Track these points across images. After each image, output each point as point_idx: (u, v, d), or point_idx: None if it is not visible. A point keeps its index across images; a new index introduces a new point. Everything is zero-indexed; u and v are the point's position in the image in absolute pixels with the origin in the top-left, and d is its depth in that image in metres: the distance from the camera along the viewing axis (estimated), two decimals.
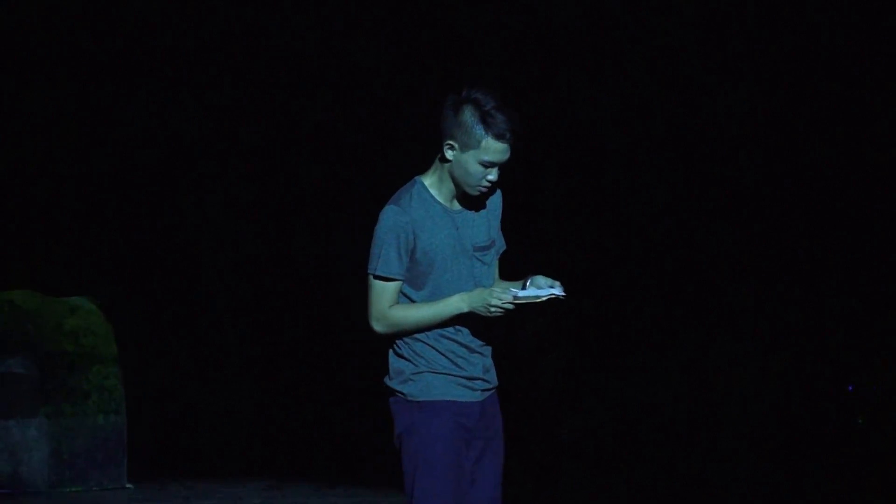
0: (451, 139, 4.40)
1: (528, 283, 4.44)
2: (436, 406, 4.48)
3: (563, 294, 4.36)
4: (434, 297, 4.48)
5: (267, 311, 13.03)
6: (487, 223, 4.61)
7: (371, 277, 4.47)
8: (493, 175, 4.43)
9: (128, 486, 10.08)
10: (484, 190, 4.47)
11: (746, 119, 12.13)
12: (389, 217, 4.44)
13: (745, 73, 11.94)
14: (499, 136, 4.35)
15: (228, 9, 12.18)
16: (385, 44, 12.10)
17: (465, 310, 4.41)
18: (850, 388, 11.99)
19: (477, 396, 4.56)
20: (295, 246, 12.99)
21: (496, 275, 4.68)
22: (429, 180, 4.52)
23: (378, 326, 4.49)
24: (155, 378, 12.27)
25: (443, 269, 4.49)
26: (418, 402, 4.49)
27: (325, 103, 12.68)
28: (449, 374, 4.52)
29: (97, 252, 12.33)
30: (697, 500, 10.11)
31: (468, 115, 4.35)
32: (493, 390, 4.65)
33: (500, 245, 4.70)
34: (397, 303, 4.47)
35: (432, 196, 4.49)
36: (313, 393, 12.88)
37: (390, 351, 4.56)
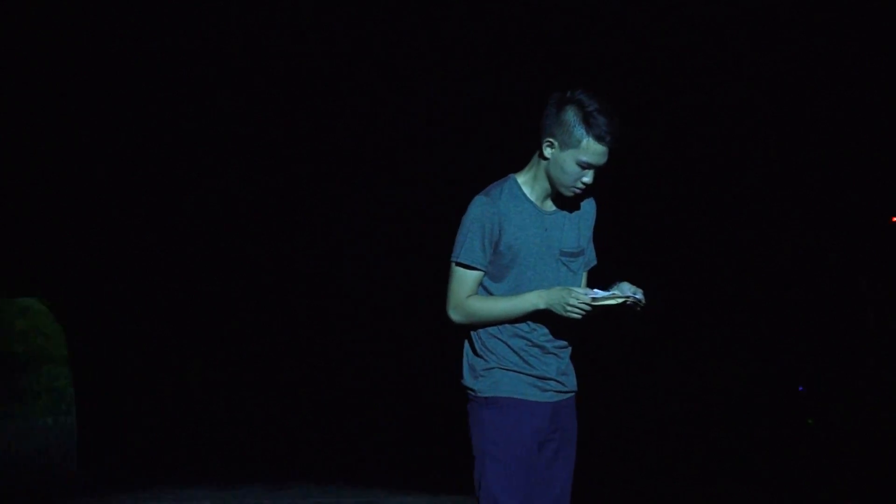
0: (550, 136, 4.32)
1: (613, 289, 4.36)
2: (504, 402, 4.40)
3: (643, 300, 4.30)
4: (514, 293, 4.40)
5: (224, 313, 12.92)
6: (578, 230, 4.52)
7: (453, 265, 4.40)
8: (588, 177, 4.33)
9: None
10: (578, 191, 4.38)
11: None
12: (477, 207, 4.37)
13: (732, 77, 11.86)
14: (599, 138, 4.26)
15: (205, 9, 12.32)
16: (384, 44, 12.24)
17: (542, 307, 4.33)
18: (801, 388, 11.59)
19: (549, 397, 4.46)
20: (253, 244, 12.67)
21: (583, 286, 4.59)
22: (523, 178, 4.44)
23: (454, 315, 4.41)
24: (108, 380, 12.44)
25: (525, 266, 4.41)
26: (486, 398, 4.41)
27: (313, 101, 12.22)
28: (519, 373, 4.42)
29: (49, 253, 12.42)
30: (657, 493, 10.06)
31: (571, 115, 4.28)
32: (571, 395, 4.56)
33: (591, 258, 4.62)
34: (476, 294, 4.42)
35: (524, 193, 4.42)
36: (265, 395, 12.86)
37: (465, 347, 4.50)
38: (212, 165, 12.40)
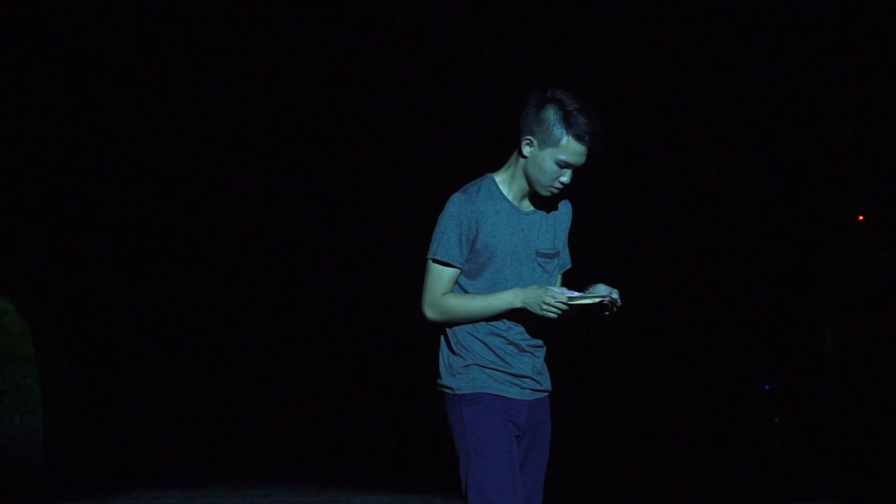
0: (530, 135, 4.32)
1: (588, 291, 4.35)
2: (483, 398, 4.38)
3: (619, 300, 4.30)
4: (490, 291, 4.40)
5: (188, 311, 12.80)
6: (553, 232, 4.51)
7: (429, 262, 4.37)
8: (566, 177, 4.33)
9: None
10: (555, 191, 4.37)
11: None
12: (454, 205, 4.34)
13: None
14: (578, 137, 4.26)
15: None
16: (384, 45, 12.26)
17: (518, 305, 4.32)
18: (767, 387, 11.78)
19: (525, 395, 4.44)
20: (213, 239, 12.50)
21: (560, 280, 4.60)
22: (500, 177, 4.43)
23: (430, 312, 4.38)
24: (76, 381, 12.37)
25: (501, 265, 4.40)
26: (465, 395, 4.39)
27: (304, 96, 12.60)
28: (496, 370, 4.40)
29: (15, 251, 12.31)
30: (621, 488, 10.10)
31: (551, 114, 4.27)
32: (545, 395, 4.53)
33: (565, 261, 4.60)
34: (452, 291, 4.39)
35: (501, 192, 4.41)
36: (231, 394, 12.77)
37: (441, 346, 4.48)
38: (183, 161, 12.39)
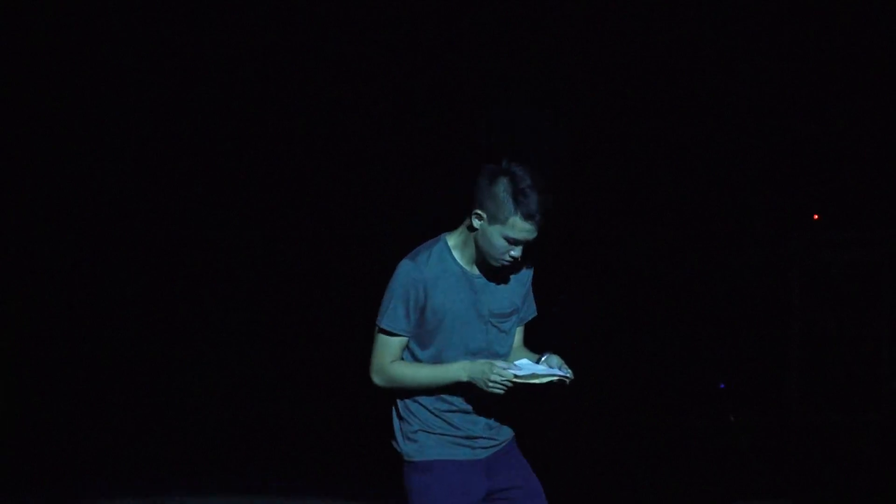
0: (480, 208, 4.18)
1: (542, 360, 4.30)
2: (433, 466, 4.33)
3: (569, 377, 4.21)
4: (439, 356, 4.32)
5: (139, 316, 12.71)
6: (511, 290, 4.39)
7: (377, 329, 4.31)
8: (516, 252, 4.21)
9: None
10: (506, 263, 4.25)
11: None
12: (403, 273, 4.26)
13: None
14: (528, 216, 4.13)
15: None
16: (383, 47, 12.29)
17: (465, 379, 4.23)
18: (722, 385, 12.01)
19: (478, 454, 4.37)
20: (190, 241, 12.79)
21: (519, 341, 4.52)
22: (453, 240, 4.31)
23: (376, 378, 4.33)
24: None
25: (451, 331, 4.30)
26: (415, 462, 4.35)
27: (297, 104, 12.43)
28: (444, 435, 4.35)
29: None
30: (580, 489, 10.13)
31: (501, 189, 4.13)
32: (503, 444, 4.45)
33: (528, 313, 4.51)
34: (400, 359, 4.33)
35: (454, 257, 4.30)
36: (190, 399, 12.72)
37: (392, 409, 4.44)
38: (180, 159, 12.49)
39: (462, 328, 4.30)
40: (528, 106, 12.22)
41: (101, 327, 12.55)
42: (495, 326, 4.36)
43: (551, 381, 4.15)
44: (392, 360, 4.30)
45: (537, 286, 4.49)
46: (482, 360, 4.23)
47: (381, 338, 4.29)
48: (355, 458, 11.04)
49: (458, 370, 4.24)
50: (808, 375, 12.19)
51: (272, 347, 12.85)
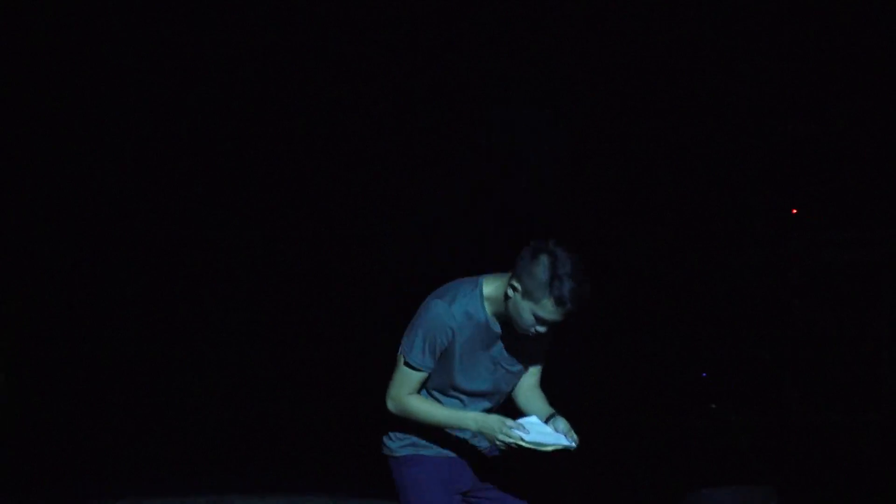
0: (517, 281, 4.28)
1: (549, 420, 4.43)
2: (420, 459, 4.55)
3: (574, 446, 4.33)
4: (443, 380, 4.49)
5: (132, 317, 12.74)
6: (529, 348, 4.55)
7: (400, 358, 4.46)
8: (542, 328, 4.33)
9: None
10: (531, 334, 4.37)
11: None
12: (435, 315, 4.40)
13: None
14: (559, 302, 4.23)
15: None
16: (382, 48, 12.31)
17: (474, 430, 4.40)
18: (704, 375, 12.06)
19: (465, 453, 4.61)
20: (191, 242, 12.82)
21: (535, 382, 4.67)
22: (489, 289, 4.43)
23: (391, 405, 4.48)
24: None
25: (462, 369, 4.47)
26: (403, 457, 4.57)
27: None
28: (433, 441, 4.59)
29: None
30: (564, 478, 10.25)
31: (540, 269, 4.21)
32: (489, 449, 4.63)
33: (540, 364, 4.68)
34: (417, 392, 4.48)
35: (483, 307, 4.43)
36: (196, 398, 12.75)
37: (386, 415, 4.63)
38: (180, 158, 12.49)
39: (473, 367, 4.46)
40: (528, 106, 12.22)
41: (101, 327, 12.55)
42: (504, 368, 4.52)
43: (555, 450, 4.29)
44: (409, 393, 4.44)
45: None
46: (495, 416, 4.37)
47: (405, 370, 4.43)
48: (355, 458, 11.04)
49: (470, 420, 4.39)
50: (808, 375, 12.20)
51: (272, 347, 12.85)
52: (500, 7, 11.80)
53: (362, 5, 11.84)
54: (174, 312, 12.79)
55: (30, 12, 11.75)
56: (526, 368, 4.60)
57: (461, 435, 4.57)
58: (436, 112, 12.25)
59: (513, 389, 4.64)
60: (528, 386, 4.64)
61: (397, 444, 4.58)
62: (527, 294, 4.25)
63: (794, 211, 12.18)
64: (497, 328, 4.44)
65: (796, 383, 12.17)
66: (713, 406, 11.75)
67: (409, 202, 12.39)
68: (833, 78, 11.63)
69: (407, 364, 4.42)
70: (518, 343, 4.49)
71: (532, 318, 4.27)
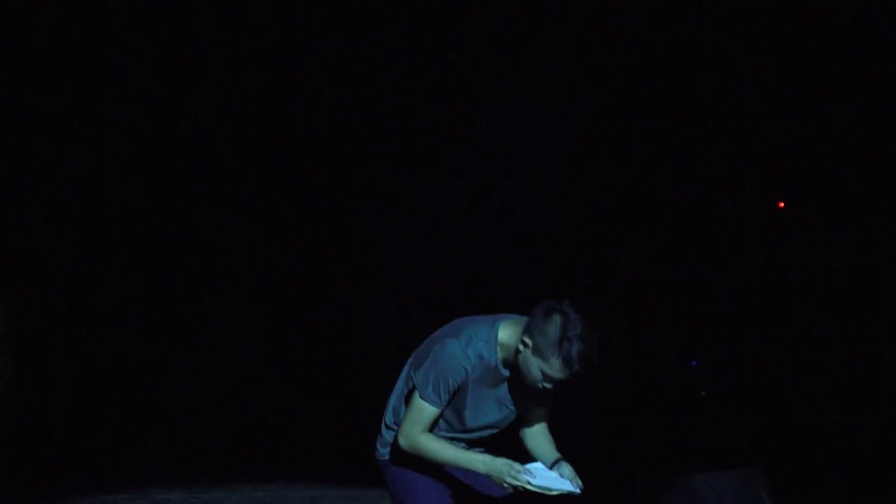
0: (528, 337, 4.39)
1: (555, 465, 4.56)
2: (413, 459, 4.63)
3: (578, 492, 4.44)
4: (451, 416, 4.61)
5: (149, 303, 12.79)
6: (534, 395, 4.64)
7: (415, 395, 4.55)
8: (549, 384, 4.44)
9: None
10: (538, 389, 4.49)
11: None
12: (452, 357, 4.50)
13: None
14: (566, 363, 4.32)
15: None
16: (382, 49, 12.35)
17: (482, 472, 4.49)
18: (694, 363, 12.15)
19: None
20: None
21: (543, 427, 4.77)
22: (505, 335, 4.52)
23: (402, 441, 4.57)
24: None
25: (469, 405, 4.59)
26: (395, 459, 4.68)
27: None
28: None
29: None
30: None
31: (552, 328, 4.32)
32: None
33: (547, 407, 4.78)
34: (428, 431, 4.56)
35: (496, 352, 4.53)
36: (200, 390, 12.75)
37: (382, 426, 4.76)
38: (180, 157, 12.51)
39: (481, 405, 4.58)
40: (528, 106, 12.23)
41: (101, 327, 12.56)
42: (508, 407, 4.63)
43: (561, 493, 4.41)
44: (422, 431, 4.52)
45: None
46: (503, 460, 4.45)
47: (419, 407, 4.53)
48: (355, 458, 11.11)
49: (478, 462, 4.48)
50: (807, 375, 12.22)
51: (272, 347, 12.85)
52: (500, 7, 11.82)
53: (362, 5, 11.85)
54: (172, 312, 12.80)
55: (30, 12, 11.76)
56: (530, 409, 4.70)
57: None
58: (436, 112, 12.26)
59: (519, 427, 4.76)
60: (538, 430, 4.75)
61: (392, 450, 4.68)
62: (537, 351, 4.35)
63: (781, 205, 12.16)
64: (506, 372, 4.54)
65: (796, 383, 12.20)
66: (703, 393, 11.83)
67: (409, 202, 12.38)
68: (833, 78, 11.65)
69: (421, 401, 4.52)
70: (524, 389, 4.58)
71: (540, 374, 4.37)
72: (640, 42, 11.68)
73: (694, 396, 11.90)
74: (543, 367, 4.35)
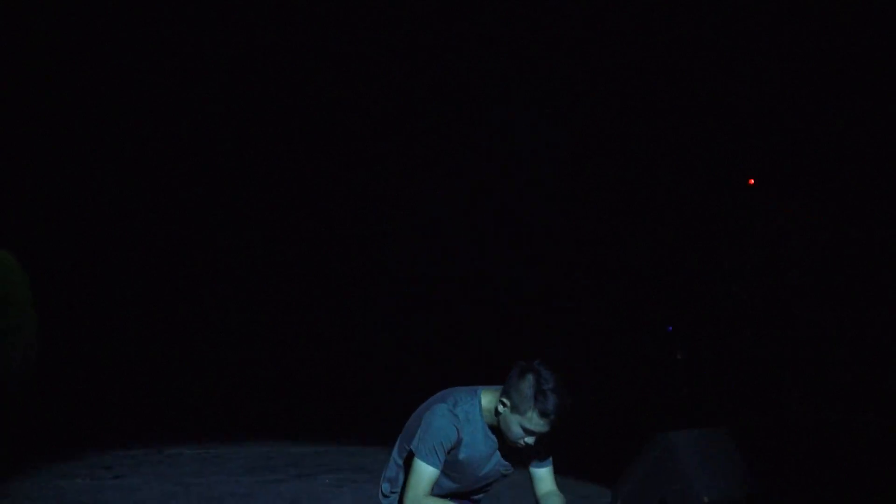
0: (506, 397, 4.70)
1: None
2: None
3: None
4: (452, 478, 4.90)
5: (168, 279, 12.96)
6: (522, 453, 4.90)
7: (415, 460, 4.80)
8: (530, 440, 4.71)
9: None
10: (521, 446, 4.76)
11: None
12: (443, 421, 4.79)
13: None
14: (543, 414, 4.59)
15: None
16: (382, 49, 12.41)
17: None
18: (669, 328, 12.25)
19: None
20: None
21: (550, 486, 4.99)
22: (486, 401, 4.84)
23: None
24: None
25: (466, 466, 4.88)
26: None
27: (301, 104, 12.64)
28: None
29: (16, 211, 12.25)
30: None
31: (526, 386, 4.60)
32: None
33: (543, 461, 5.01)
34: (432, 492, 4.81)
35: (481, 418, 4.84)
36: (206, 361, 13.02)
37: (380, 493, 5.04)
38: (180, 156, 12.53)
39: (474, 465, 4.87)
40: (528, 106, 12.25)
41: (101, 327, 12.59)
42: (502, 475, 4.95)
43: None
44: (425, 494, 4.75)
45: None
46: None
47: (420, 469, 4.77)
48: (355, 420, 11.15)
49: None
50: (808, 375, 12.23)
51: (272, 347, 12.89)
52: (500, 7, 11.84)
53: (362, 5, 11.87)
54: (172, 312, 12.87)
55: (30, 12, 11.78)
56: (533, 471, 4.95)
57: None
58: (436, 112, 12.28)
59: (532, 488, 4.99)
60: (548, 492, 4.97)
61: (393, 500, 4.93)
62: (514, 408, 4.64)
63: (752, 181, 12.23)
64: (494, 439, 4.84)
65: (796, 383, 12.22)
66: (679, 357, 11.95)
67: (409, 202, 12.40)
68: (833, 78, 11.67)
69: (421, 464, 4.75)
70: (514, 452, 4.85)
71: (521, 430, 4.64)
72: (640, 42, 11.70)
73: (671, 358, 11.98)
74: (523, 422, 4.62)
